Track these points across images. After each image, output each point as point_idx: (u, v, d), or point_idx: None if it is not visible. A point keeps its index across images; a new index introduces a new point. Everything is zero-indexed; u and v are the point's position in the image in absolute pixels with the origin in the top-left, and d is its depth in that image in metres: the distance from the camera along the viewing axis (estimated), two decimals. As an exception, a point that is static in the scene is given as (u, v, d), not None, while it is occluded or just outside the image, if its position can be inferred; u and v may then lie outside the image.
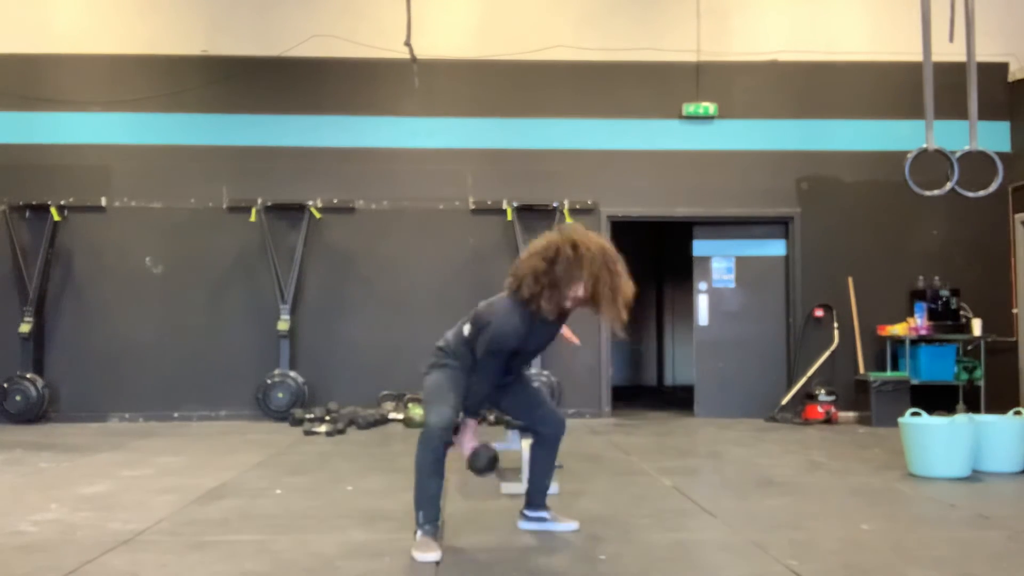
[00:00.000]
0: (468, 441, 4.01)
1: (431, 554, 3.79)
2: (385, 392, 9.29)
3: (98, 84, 9.51)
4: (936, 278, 9.46)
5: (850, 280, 9.59)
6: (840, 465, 6.43)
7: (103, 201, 9.46)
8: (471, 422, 4.02)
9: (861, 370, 9.39)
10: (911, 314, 9.36)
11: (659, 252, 13.71)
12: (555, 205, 9.34)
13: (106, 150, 9.50)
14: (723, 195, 9.66)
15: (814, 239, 9.70)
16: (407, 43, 8.13)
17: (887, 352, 9.49)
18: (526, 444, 5.04)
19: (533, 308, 3.88)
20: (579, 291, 3.85)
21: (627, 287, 3.89)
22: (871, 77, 9.72)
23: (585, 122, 9.63)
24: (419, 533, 3.90)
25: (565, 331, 4.39)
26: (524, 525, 4.37)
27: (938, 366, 9.19)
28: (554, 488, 5.32)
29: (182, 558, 3.88)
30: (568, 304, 3.93)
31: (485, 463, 4.01)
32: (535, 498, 4.37)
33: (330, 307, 9.51)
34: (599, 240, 3.92)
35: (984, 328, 9.31)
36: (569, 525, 4.36)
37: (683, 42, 9.67)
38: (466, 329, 4.10)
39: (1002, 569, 3.72)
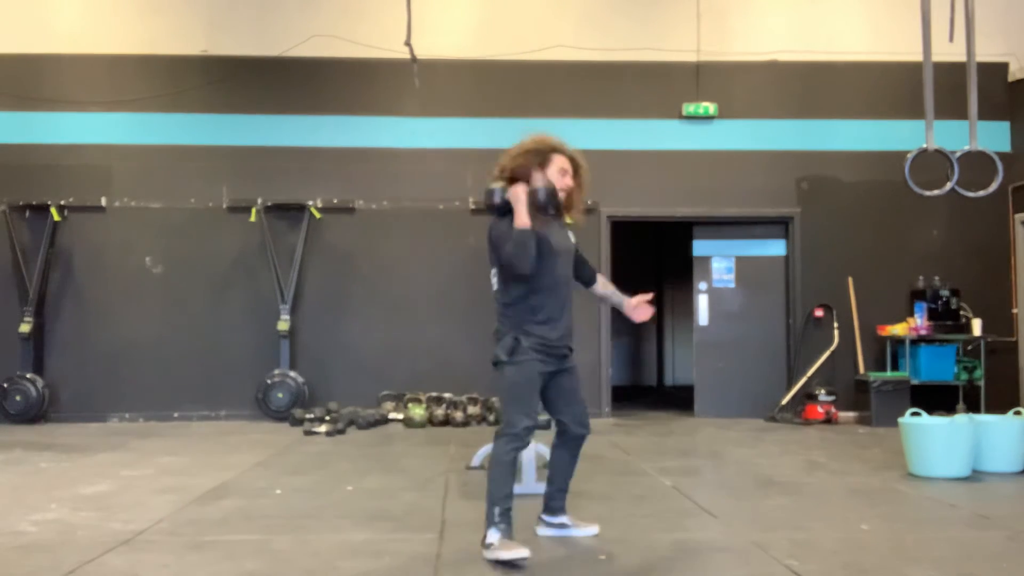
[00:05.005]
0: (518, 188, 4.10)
1: (520, 551, 3.73)
2: (385, 392, 9.29)
3: (98, 84, 9.51)
4: (936, 278, 9.46)
5: (850, 280, 9.59)
6: (840, 465, 6.43)
7: (103, 201, 9.46)
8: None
9: (861, 370, 9.39)
10: (911, 314, 9.36)
11: (659, 252, 13.71)
12: (555, 205, 9.32)
13: (106, 150, 9.50)
14: (723, 195, 9.66)
15: (814, 239, 9.70)
16: (407, 43, 8.13)
17: (887, 352, 9.48)
18: (532, 445, 5.05)
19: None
20: (561, 163, 4.20)
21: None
22: (871, 77, 9.72)
23: (585, 122, 9.62)
24: (495, 534, 3.80)
25: (635, 300, 4.29)
26: (544, 532, 4.27)
27: (938, 366, 9.19)
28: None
29: (182, 558, 3.88)
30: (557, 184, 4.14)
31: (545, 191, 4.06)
32: (556, 501, 4.28)
33: (330, 307, 9.50)
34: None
35: (984, 328, 9.31)
36: (589, 530, 4.29)
37: (683, 42, 9.67)
38: (493, 276, 4.16)
39: (1002, 569, 3.72)
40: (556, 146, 4.26)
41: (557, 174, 4.19)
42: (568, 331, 4.08)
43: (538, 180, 4.10)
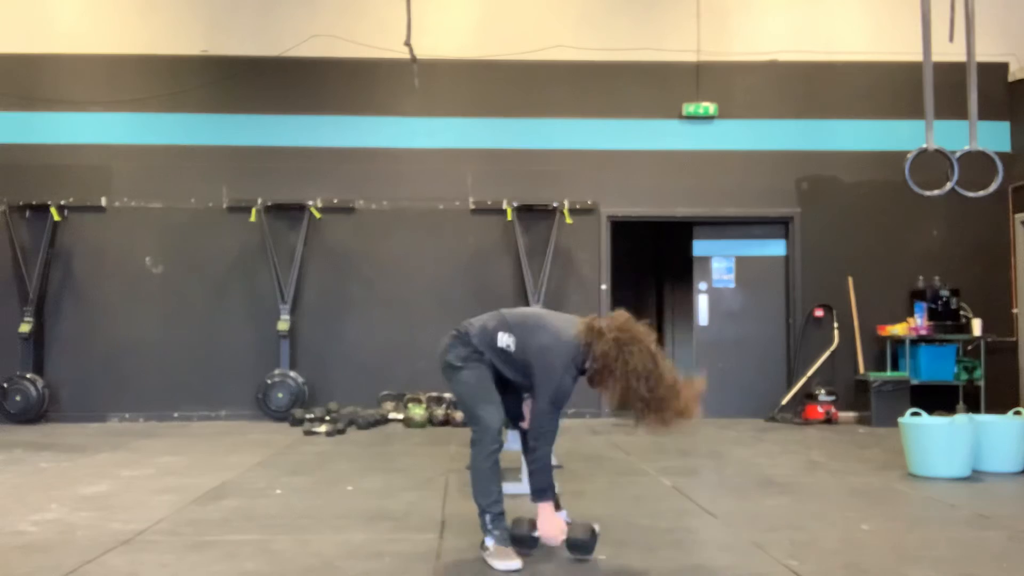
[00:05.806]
0: (553, 522, 3.80)
1: (512, 562, 3.67)
2: (385, 392, 9.29)
3: (98, 84, 9.51)
4: (936, 278, 9.46)
5: (850, 280, 9.59)
6: (840, 465, 6.43)
7: (103, 201, 9.46)
8: (547, 505, 3.78)
9: (861, 370, 9.39)
10: (911, 314, 9.36)
11: (659, 252, 13.69)
12: (555, 205, 9.32)
13: (106, 150, 9.50)
14: (723, 195, 9.66)
15: (814, 239, 9.70)
16: (407, 43, 8.13)
17: (887, 352, 9.48)
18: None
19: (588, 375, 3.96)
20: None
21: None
22: (871, 77, 9.72)
23: (585, 122, 9.63)
24: (489, 540, 3.76)
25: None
26: None
27: (938, 366, 9.19)
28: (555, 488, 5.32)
29: (182, 558, 3.88)
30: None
31: (585, 537, 3.80)
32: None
33: (330, 307, 9.50)
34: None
35: (984, 328, 9.31)
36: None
37: (683, 42, 9.67)
38: (502, 339, 3.89)
39: (1002, 569, 3.72)
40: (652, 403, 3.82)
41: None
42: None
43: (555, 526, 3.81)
